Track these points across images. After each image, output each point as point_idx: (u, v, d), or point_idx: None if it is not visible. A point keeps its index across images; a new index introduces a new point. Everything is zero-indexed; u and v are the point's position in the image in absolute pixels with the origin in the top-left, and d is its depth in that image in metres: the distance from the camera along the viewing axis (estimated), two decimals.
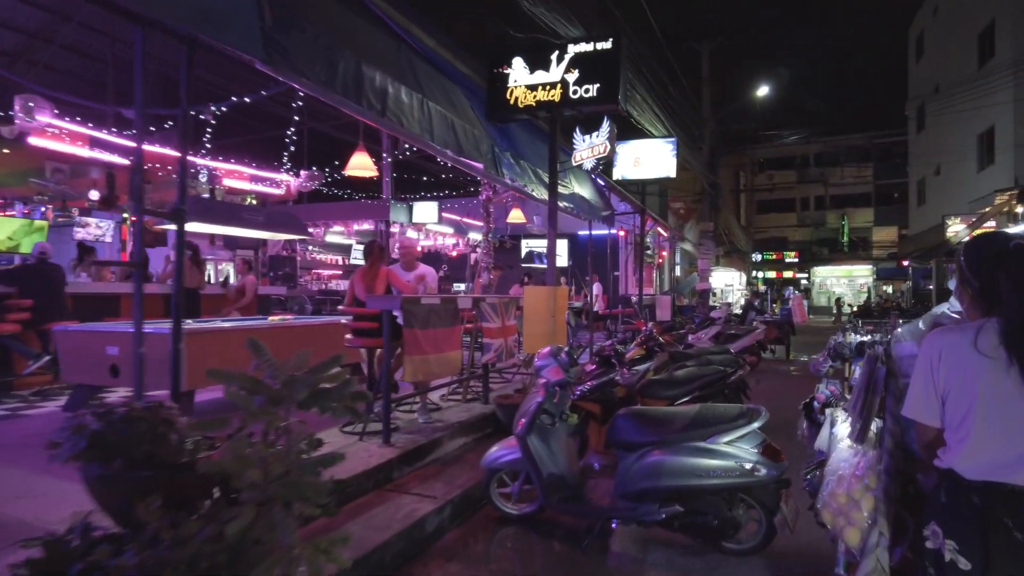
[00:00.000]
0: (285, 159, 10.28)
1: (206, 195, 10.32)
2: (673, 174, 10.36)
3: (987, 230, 2.54)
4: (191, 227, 8.50)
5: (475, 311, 6.33)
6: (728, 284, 29.54)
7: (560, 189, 8.01)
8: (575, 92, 6.10)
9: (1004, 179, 17.38)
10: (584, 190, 9.59)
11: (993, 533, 1.68)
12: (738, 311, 21.99)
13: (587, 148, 6.09)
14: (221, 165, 10.05)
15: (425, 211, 14.77)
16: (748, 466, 3.35)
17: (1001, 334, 1.71)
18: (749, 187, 43.70)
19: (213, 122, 8.63)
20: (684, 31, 18.50)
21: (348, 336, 5.51)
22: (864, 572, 2.25)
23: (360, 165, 7.69)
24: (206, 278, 10.09)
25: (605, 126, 5.98)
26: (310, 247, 17.34)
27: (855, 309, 32.62)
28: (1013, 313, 1.70)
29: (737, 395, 7.10)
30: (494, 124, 6.62)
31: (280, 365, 2.38)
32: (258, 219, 8.11)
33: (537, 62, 6.27)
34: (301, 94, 6.58)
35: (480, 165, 5.76)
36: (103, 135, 8.36)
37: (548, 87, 6.21)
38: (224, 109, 7.65)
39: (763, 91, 18.47)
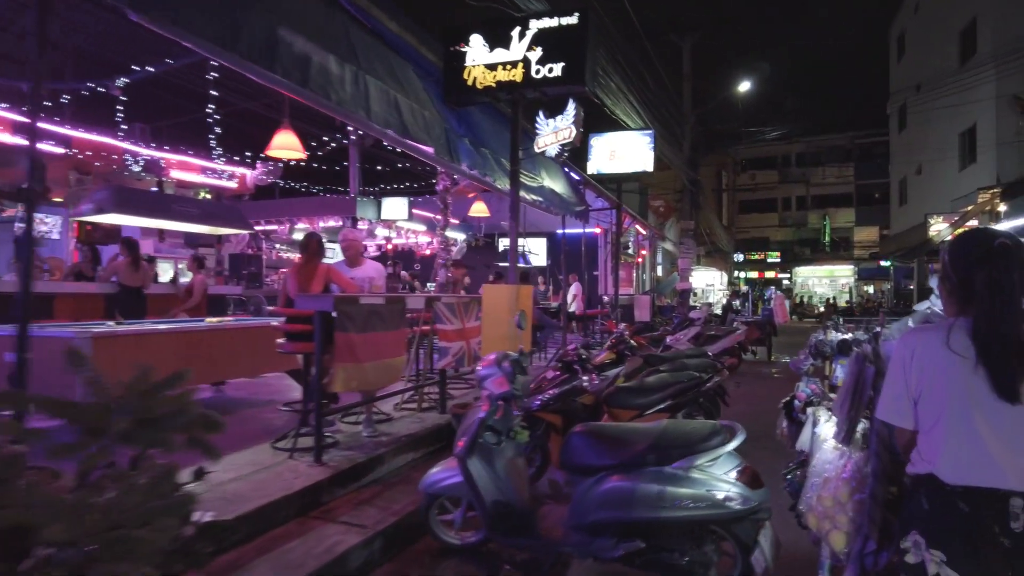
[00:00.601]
0: (213, 143, 9.56)
1: (154, 188, 9.64)
2: (651, 168, 9.86)
3: (972, 227, 2.24)
4: (117, 220, 7.91)
5: (431, 312, 5.78)
6: (709, 284, 29.18)
7: (527, 181, 7.48)
8: (538, 72, 5.56)
9: (986, 177, 17.13)
10: (556, 184, 9.06)
11: (981, 542, 1.61)
12: (719, 311, 21.65)
13: (551, 133, 5.55)
14: (166, 155, 9.33)
15: (395, 207, 14.16)
16: (720, 496, 2.82)
17: (971, 332, 1.68)
18: (731, 187, 43.53)
19: (124, 98, 7.94)
20: (665, 24, 18.05)
21: (280, 340, 4.91)
22: None
23: (284, 145, 7.00)
24: (154, 276, 9.42)
25: (571, 108, 5.44)
26: (277, 245, 16.65)
27: (821, 309, 32.64)
28: (984, 311, 1.67)
29: (714, 402, 6.61)
30: (452, 108, 6.07)
31: (104, 385, 1.80)
32: (192, 212, 7.47)
33: (497, 39, 5.72)
34: (214, 64, 5.94)
35: (430, 149, 5.19)
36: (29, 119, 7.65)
37: (509, 66, 5.66)
38: (128, 81, 6.98)
39: (744, 87, 18.07)
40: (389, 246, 15.67)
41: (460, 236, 16.79)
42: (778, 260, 42.53)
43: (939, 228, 18.22)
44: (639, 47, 13.61)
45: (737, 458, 2.95)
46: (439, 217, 12.88)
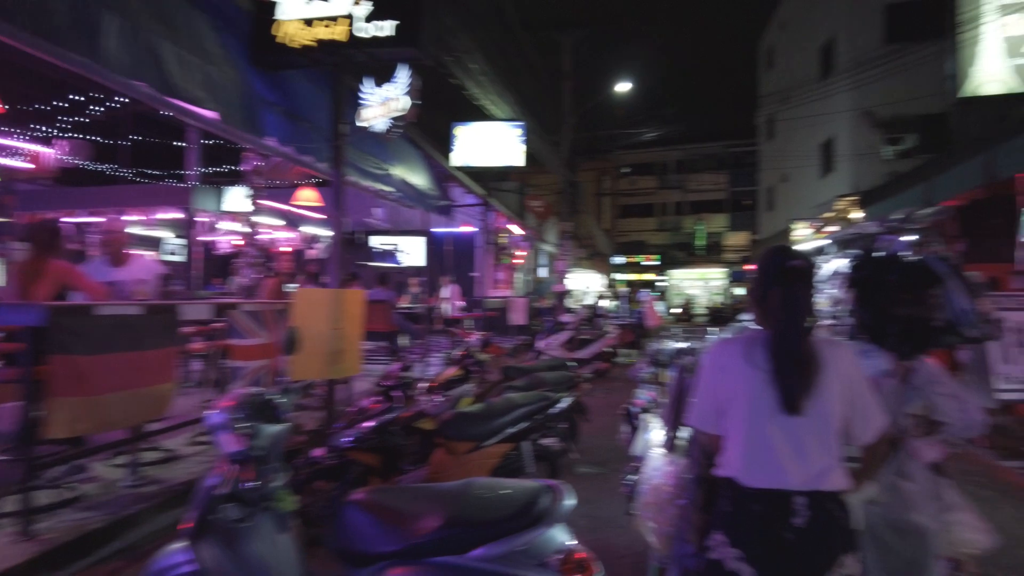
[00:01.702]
0: None
1: None
2: (521, 162, 9.14)
3: (774, 246, 2.24)
4: None
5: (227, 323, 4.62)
6: (588, 286, 29.27)
7: (370, 167, 6.46)
8: (365, 30, 4.57)
9: (844, 185, 18.03)
10: (413, 174, 8.10)
11: (769, 538, 1.76)
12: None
13: (379, 104, 4.60)
14: None
15: (240, 198, 12.48)
16: None
17: (768, 347, 1.82)
18: (612, 191, 44.43)
19: None
20: (546, 20, 17.53)
21: None
22: None
23: None
24: None
25: (404, 75, 4.50)
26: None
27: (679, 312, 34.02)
28: (779, 329, 1.84)
29: (572, 423, 5.91)
30: (264, 71, 4.93)
31: None
32: None
33: None
34: None
35: (213, 114, 4.06)
36: None
37: (330, 22, 4.63)
38: None
39: (623, 88, 17.96)
40: (239, 242, 13.91)
41: (328, 233, 15.36)
42: (656, 263, 43.82)
43: (801, 233, 19.01)
44: (514, 37, 12.92)
45: (560, 539, 2.13)
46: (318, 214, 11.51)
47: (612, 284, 39.03)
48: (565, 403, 4.58)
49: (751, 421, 1.82)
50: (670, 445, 2.74)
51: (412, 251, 19.01)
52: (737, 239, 41.10)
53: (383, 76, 4.73)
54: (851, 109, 17.96)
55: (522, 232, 16.84)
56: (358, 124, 4.72)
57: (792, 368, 1.78)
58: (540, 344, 11.41)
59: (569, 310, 19.00)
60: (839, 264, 3.24)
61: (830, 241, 4.72)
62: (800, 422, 1.77)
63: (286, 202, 9.52)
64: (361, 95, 4.76)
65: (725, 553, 1.80)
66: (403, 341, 7.02)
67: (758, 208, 32.91)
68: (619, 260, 43.91)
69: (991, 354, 7.27)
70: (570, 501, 2.14)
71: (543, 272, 25.98)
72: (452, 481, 4.00)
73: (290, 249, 16.18)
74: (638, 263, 44.43)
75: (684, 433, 2.59)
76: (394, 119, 4.51)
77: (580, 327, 14.85)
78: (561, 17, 17.39)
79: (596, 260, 39.77)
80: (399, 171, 7.47)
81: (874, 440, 1.91)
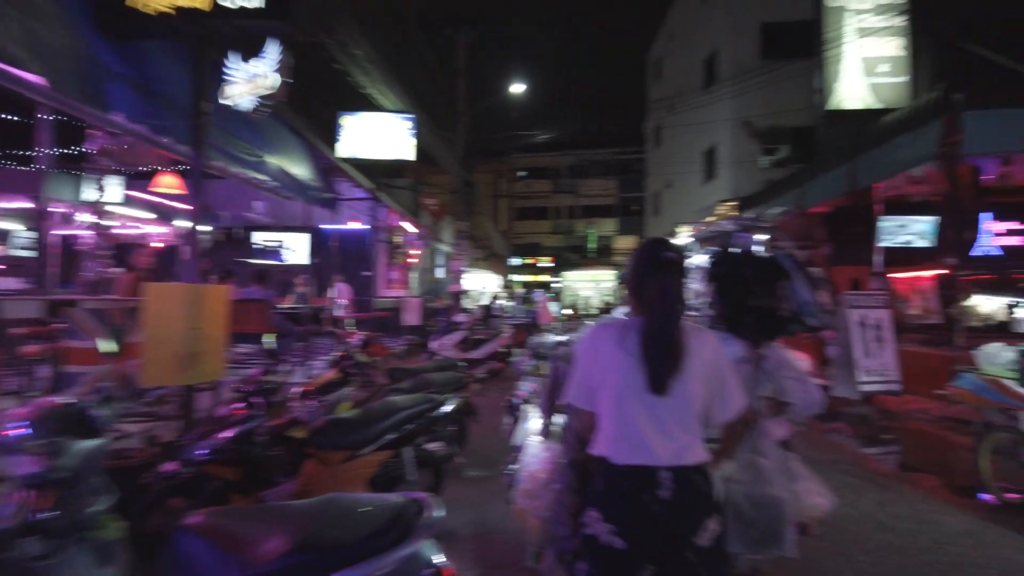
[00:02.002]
0: None
1: None
2: (411, 156, 8.81)
3: (648, 238, 2.45)
4: None
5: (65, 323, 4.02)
6: (483, 287, 29.23)
7: (241, 153, 5.94)
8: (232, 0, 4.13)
9: (724, 192, 19.04)
10: (293, 164, 7.58)
11: (637, 511, 1.86)
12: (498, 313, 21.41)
13: (245, 81, 4.18)
14: None
15: (106, 188, 11.25)
16: None
17: (640, 334, 1.95)
18: (508, 193, 44.84)
19: None
20: (440, 16, 17.26)
21: None
22: (548, 563, 2.40)
23: None
24: None
25: (274, 51, 4.10)
26: None
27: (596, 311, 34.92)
28: (653, 316, 1.96)
29: (461, 425, 5.71)
30: (114, 39, 4.35)
31: None
32: None
33: None
34: None
35: (39, 79, 3.49)
36: None
37: None
38: None
39: (518, 90, 18.03)
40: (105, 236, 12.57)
41: (203, 228, 14.21)
42: (550, 265, 44.64)
43: (685, 237, 19.89)
44: (405, 28, 12.56)
45: (432, 550, 1.91)
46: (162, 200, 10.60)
47: (508, 285, 39.28)
48: (451, 405, 4.36)
49: (620, 402, 1.93)
50: (546, 432, 2.86)
51: (298, 248, 18.13)
52: (626, 243, 42.62)
53: (251, 51, 4.29)
54: (731, 118, 18.99)
55: (416, 231, 16.45)
56: (221, 102, 4.26)
57: (662, 352, 1.90)
58: (433, 344, 11.14)
59: (465, 310, 18.81)
60: (700, 260, 3.40)
61: (693, 239, 4.83)
62: (666, 403, 1.90)
63: (145, 190, 8.66)
64: (226, 71, 4.30)
65: (599, 529, 1.89)
66: (268, 343, 6.47)
67: (645, 213, 34.23)
68: (516, 261, 44.38)
69: (855, 349, 7.82)
70: (438, 514, 1.92)
71: (440, 272, 25.66)
72: (323, 494, 3.69)
73: (162, 244, 14.90)
74: (534, 264, 45.08)
75: (559, 420, 2.71)
76: (261, 98, 4.09)
77: (475, 327, 14.70)
78: (455, 15, 17.15)
79: (493, 261, 39.89)
80: (277, 160, 6.95)
81: (733, 419, 2.07)
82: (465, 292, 25.16)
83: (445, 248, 20.94)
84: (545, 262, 44.99)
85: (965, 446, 5.72)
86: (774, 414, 2.86)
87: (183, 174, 7.61)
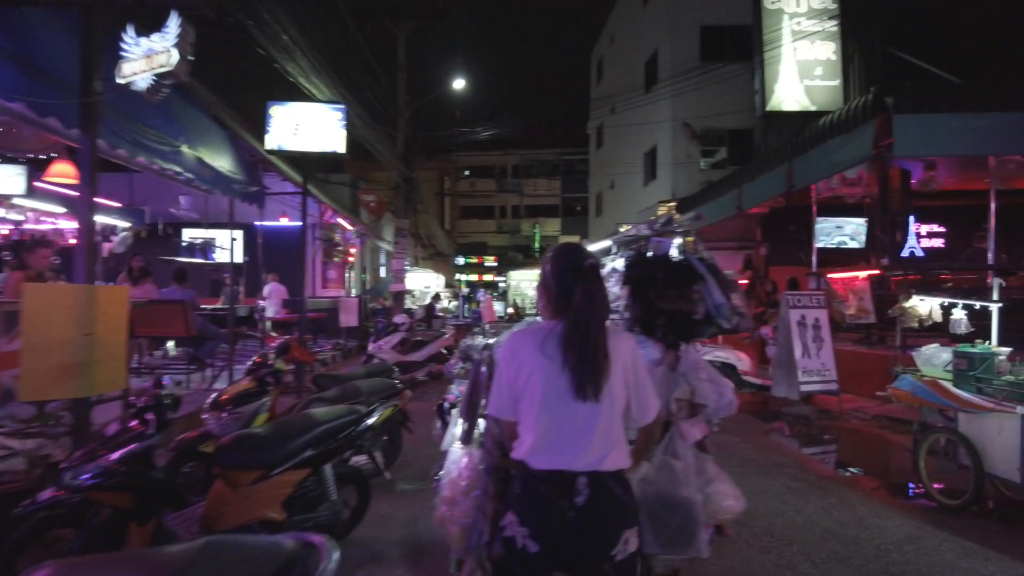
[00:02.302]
0: None
1: None
2: (342, 149, 8.34)
3: (565, 243, 2.49)
4: None
5: None
6: (427, 286, 28.71)
7: (155, 143, 5.42)
8: None
9: (664, 192, 19.19)
10: (215, 155, 7.05)
11: (552, 516, 1.85)
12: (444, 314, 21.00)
13: (142, 57, 3.71)
14: None
15: (7, 178, 10.30)
16: None
17: (563, 337, 1.91)
18: (452, 191, 44.44)
19: None
20: (379, 8, 16.71)
21: None
22: (469, 570, 2.29)
23: None
24: None
25: (174, 24, 3.65)
26: None
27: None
28: (579, 320, 1.91)
29: (393, 435, 5.37)
30: None
31: None
32: None
33: None
34: None
35: None
36: None
37: None
38: None
39: (460, 84, 17.68)
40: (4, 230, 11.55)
41: (115, 222, 13.31)
42: (495, 264, 44.46)
43: (601, 242, 19.99)
44: (339, 16, 12.04)
45: None
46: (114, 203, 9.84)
47: (453, 284, 38.87)
48: (378, 415, 4.02)
49: (543, 409, 1.90)
50: (467, 438, 2.81)
51: (231, 246, 17.26)
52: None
53: (152, 25, 3.84)
54: (671, 119, 19.16)
55: (353, 228, 15.89)
56: (118, 80, 3.78)
57: (589, 357, 1.88)
58: (371, 347, 10.71)
59: (408, 311, 18.36)
60: (618, 263, 3.44)
61: (610, 242, 4.81)
62: (588, 407, 1.88)
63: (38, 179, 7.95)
64: (123, 46, 3.83)
65: (516, 531, 1.88)
66: (186, 347, 5.93)
67: (589, 213, 34.43)
68: (461, 261, 44.07)
69: (795, 349, 7.87)
70: (334, 555, 1.61)
71: (383, 271, 25.03)
72: (230, 521, 3.28)
73: (73, 241, 13.82)
74: (479, 264, 44.81)
75: (481, 425, 2.71)
76: (158, 76, 3.64)
77: (415, 328, 14.31)
78: (393, 7, 16.64)
79: (438, 260, 39.38)
80: (195, 150, 6.42)
81: (650, 422, 2.07)
82: (409, 292, 24.66)
83: (387, 247, 20.41)
84: (490, 261, 44.77)
85: (903, 446, 5.76)
86: (689, 416, 2.89)
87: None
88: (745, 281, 13.57)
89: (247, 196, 7.67)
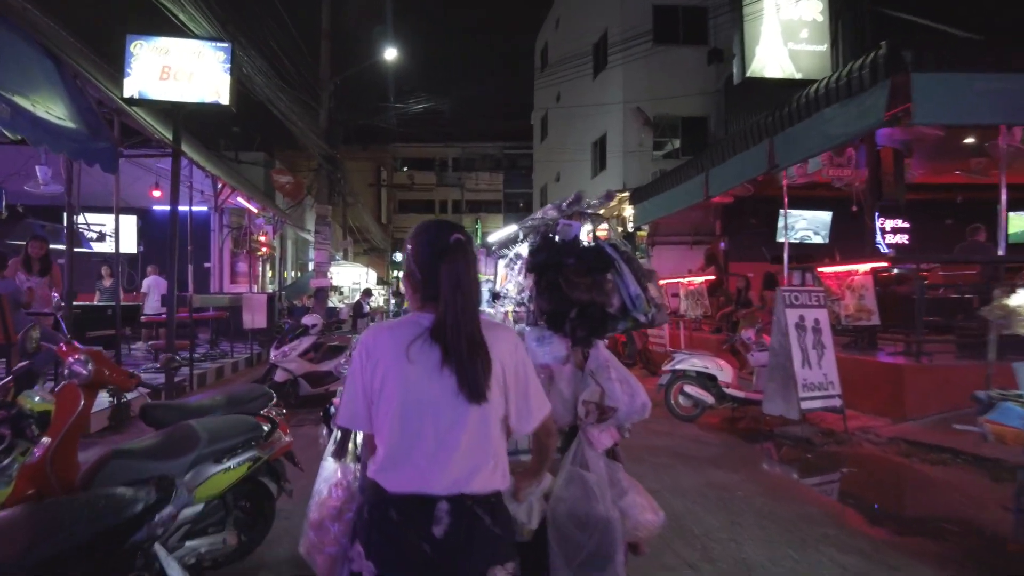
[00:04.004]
0: None
1: None
2: (226, 100, 6.35)
3: (429, 219, 1.76)
4: None
5: None
6: (356, 282, 26.44)
7: None
8: None
9: (615, 182, 17.87)
10: (43, 100, 5.13)
11: (405, 549, 1.53)
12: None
13: None
14: None
15: None
16: None
17: (432, 331, 1.58)
18: (389, 183, 42.37)
19: None
20: None
21: None
22: None
23: None
24: None
25: None
26: None
27: None
28: (448, 310, 1.57)
29: (261, 500, 3.60)
30: None
31: None
32: None
33: None
34: None
35: None
36: None
37: None
38: None
39: (392, 55, 15.82)
40: None
41: None
42: None
43: (506, 227, 18.59)
44: None
45: None
46: None
47: (389, 281, 36.84)
48: (207, 484, 2.27)
49: (401, 415, 1.56)
50: (340, 450, 2.50)
51: (120, 232, 14.87)
52: None
53: None
54: (622, 103, 17.86)
55: (262, 212, 13.76)
56: None
57: (466, 354, 1.55)
58: (273, 354, 8.74)
59: (331, 309, 16.31)
60: (523, 248, 3.20)
61: (516, 227, 4.13)
62: (458, 418, 1.56)
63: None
64: None
65: (363, 566, 1.57)
66: None
67: (533, 208, 33.06)
68: (398, 257, 42.22)
69: (794, 357, 6.50)
70: None
71: (312, 266, 22.74)
72: None
73: None
74: None
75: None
76: None
77: (336, 329, 12.38)
78: None
79: (373, 256, 37.13)
80: (13, 94, 4.50)
81: (537, 428, 1.75)
82: (335, 288, 22.51)
83: (309, 237, 18.31)
84: None
85: (960, 488, 4.37)
86: (598, 420, 2.59)
87: None
88: (709, 278, 12.30)
89: (90, 155, 5.67)
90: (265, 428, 3.39)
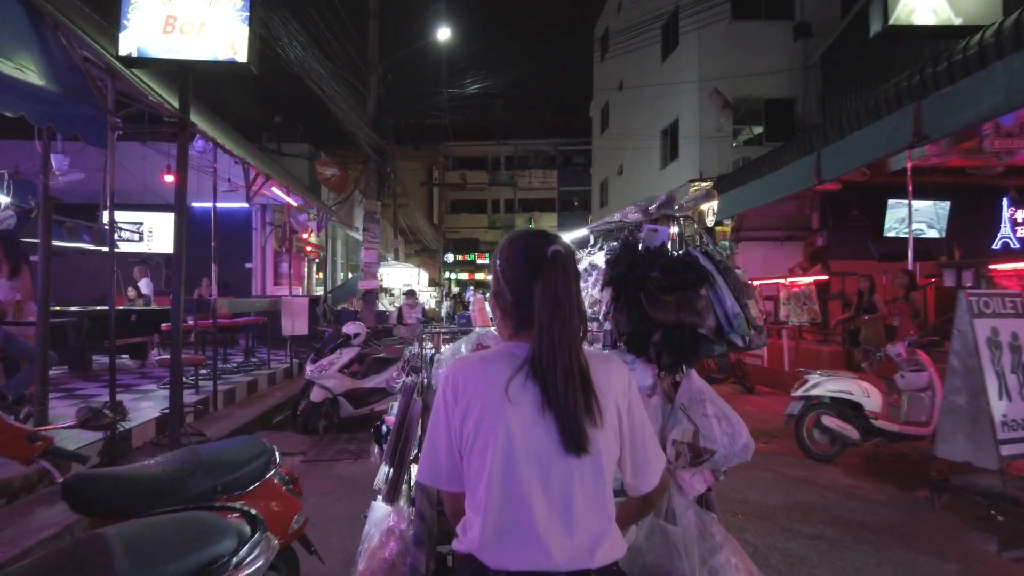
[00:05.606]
0: None
1: None
2: (244, 57, 5.09)
3: (522, 230, 1.34)
4: None
5: None
6: (406, 284, 25.31)
7: None
8: None
9: (690, 172, 16.09)
10: (24, 61, 4.01)
11: None
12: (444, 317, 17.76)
13: None
14: None
15: None
16: None
17: (531, 365, 1.26)
18: (441, 182, 41.43)
19: None
20: None
21: None
22: None
23: None
24: None
25: None
26: None
27: None
28: (547, 338, 1.25)
29: None
30: None
31: None
32: None
33: None
34: None
35: None
36: None
37: None
38: None
39: (443, 35, 14.56)
40: None
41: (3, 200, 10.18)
42: (488, 261, 41.57)
43: (578, 231, 16.90)
44: None
45: None
46: None
47: (440, 283, 35.86)
48: None
49: (500, 473, 1.22)
50: (391, 493, 2.17)
51: (159, 231, 14.12)
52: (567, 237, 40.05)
53: None
54: (697, 82, 16.09)
55: (301, 205, 12.64)
56: None
57: (570, 394, 1.22)
58: (309, 369, 7.49)
59: (380, 314, 15.07)
60: (597, 258, 2.77)
61: (587, 231, 3.25)
62: (568, 473, 1.23)
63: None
64: None
65: None
66: None
67: (592, 205, 31.42)
68: (450, 258, 41.29)
69: (989, 385, 4.81)
70: None
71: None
72: None
73: None
74: (471, 261, 41.96)
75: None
76: None
77: (384, 339, 11.08)
78: None
79: (425, 256, 36.20)
80: None
81: (650, 490, 1.39)
82: (385, 291, 21.45)
83: (359, 236, 17.21)
84: (481, 259, 41.98)
85: None
86: (691, 463, 2.17)
87: None
88: (820, 278, 10.50)
89: (64, 121, 4.47)
90: (244, 530, 2.00)
